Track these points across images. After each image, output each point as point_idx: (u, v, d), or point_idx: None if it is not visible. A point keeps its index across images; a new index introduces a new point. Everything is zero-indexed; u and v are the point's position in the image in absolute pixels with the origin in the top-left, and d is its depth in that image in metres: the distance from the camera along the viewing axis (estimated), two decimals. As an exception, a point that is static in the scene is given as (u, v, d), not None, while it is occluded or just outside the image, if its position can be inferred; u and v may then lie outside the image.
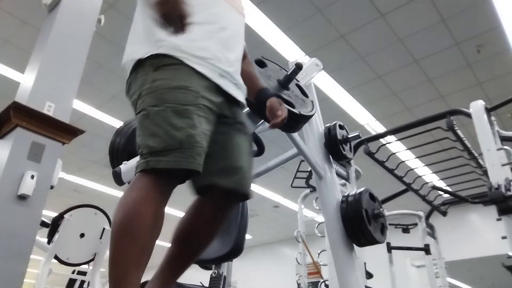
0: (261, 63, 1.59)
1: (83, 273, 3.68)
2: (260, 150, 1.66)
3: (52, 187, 1.99)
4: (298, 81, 1.78)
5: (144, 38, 1.09)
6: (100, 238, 3.33)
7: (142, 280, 0.93)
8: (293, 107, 1.49)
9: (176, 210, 8.31)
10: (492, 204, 2.43)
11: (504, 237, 2.42)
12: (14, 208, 1.77)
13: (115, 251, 0.88)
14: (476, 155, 3.14)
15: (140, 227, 0.88)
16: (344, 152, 2.05)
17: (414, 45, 4.11)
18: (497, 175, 2.41)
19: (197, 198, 1.12)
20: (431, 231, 4.44)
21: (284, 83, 1.55)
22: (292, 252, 4.26)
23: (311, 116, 1.64)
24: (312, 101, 1.71)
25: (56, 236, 3.14)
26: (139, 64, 1.06)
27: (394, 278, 4.07)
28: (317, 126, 2.07)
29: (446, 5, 3.63)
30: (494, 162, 2.48)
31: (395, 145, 4.82)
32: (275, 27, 3.90)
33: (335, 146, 2.03)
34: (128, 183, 1.85)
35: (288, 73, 1.53)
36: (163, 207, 0.94)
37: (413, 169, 4.12)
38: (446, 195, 4.20)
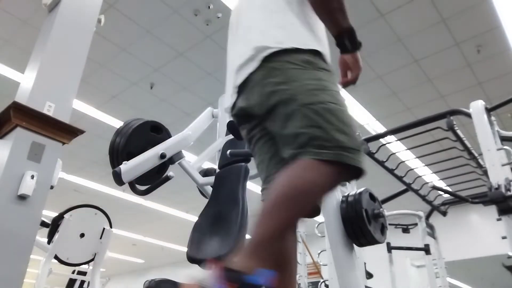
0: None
1: (83, 273, 3.69)
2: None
3: (52, 187, 1.99)
4: (298, 81, 1.78)
5: (303, 29, 1.07)
6: (100, 238, 3.33)
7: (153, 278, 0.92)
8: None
9: (176, 210, 8.32)
10: (492, 204, 2.43)
11: (504, 237, 2.41)
12: (14, 208, 1.77)
13: (276, 211, 0.87)
14: (476, 155, 3.13)
15: (305, 205, 0.89)
16: (344, 152, 2.05)
17: (414, 45, 4.11)
18: (497, 175, 2.41)
19: None
20: (431, 231, 4.43)
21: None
22: (292, 252, 4.22)
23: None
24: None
25: (56, 236, 3.15)
26: (285, 53, 1.02)
27: (394, 278, 4.07)
28: (317, 126, 2.07)
29: (446, 5, 3.63)
30: (494, 162, 2.48)
31: (395, 145, 4.81)
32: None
33: (335, 146, 2.02)
34: (128, 183, 1.86)
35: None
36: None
37: (413, 169, 4.11)
38: (446, 195, 4.19)
